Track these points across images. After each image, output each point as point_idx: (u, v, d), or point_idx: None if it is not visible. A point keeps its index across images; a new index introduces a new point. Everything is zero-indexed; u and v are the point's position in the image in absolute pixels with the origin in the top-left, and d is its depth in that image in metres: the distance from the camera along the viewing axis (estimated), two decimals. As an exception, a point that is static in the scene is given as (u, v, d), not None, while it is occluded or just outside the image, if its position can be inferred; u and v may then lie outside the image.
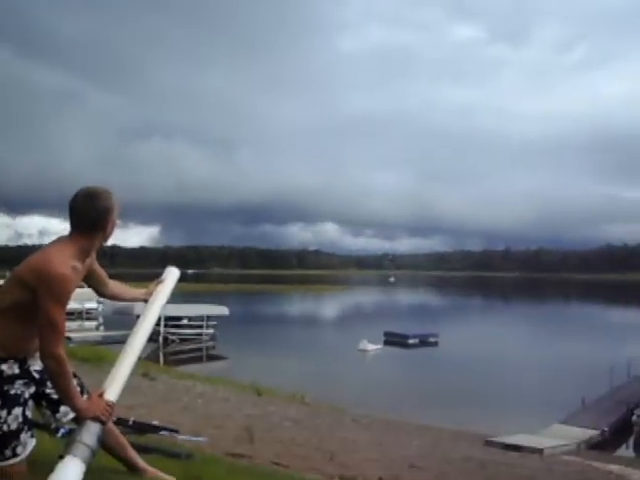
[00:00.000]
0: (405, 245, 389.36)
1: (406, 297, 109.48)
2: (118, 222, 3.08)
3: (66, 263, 2.78)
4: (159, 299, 3.57)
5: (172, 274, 3.78)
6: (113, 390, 3.02)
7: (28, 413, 2.92)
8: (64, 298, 2.78)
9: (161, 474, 3.37)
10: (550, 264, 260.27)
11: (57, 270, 2.73)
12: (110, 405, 2.94)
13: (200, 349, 37.54)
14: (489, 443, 15.77)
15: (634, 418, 19.41)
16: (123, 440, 3.32)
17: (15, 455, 2.83)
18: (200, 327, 40.85)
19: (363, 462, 8.86)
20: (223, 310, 42.33)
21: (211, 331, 41.28)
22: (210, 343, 39.77)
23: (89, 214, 2.91)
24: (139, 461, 3.35)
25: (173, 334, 39.09)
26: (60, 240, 2.95)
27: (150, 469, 3.35)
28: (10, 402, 2.83)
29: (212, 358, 35.59)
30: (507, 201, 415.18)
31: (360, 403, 20.05)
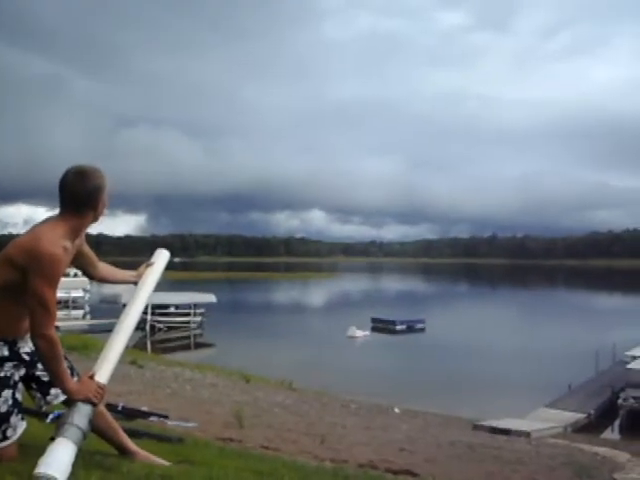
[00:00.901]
0: (392, 232, 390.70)
1: (393, 284, 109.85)
2: (107, 203, 3.03)
3: (56, 242, 2.73)
4: (150, 281, 3.52)
5: (162, 256, 3.73)
6: (104, 372, 2.99)
7: (18, 396, 2.88)
8: (55, 278, 2.74)
9: (153, 457, 3.34)
10: (536, 251, 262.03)
11: (47, 249, 2.68)
12: (101, 387, 2.91)
13: (188, 337, 37.52)
14: (477, 427, 15.88)
15: (619, 401, 19.62)
16: (114, 423, 3.29)
17: (5, 438, 2.80)
18: (187, 315, 40.82)
19: (353, 446, 8.89)
20: (210, 298, 42.28)
21: (198, 319, 41.27)
22: (198, 331, 39.77)
23: (80, 192, 2.85)
24: (130, 444, 3.32)
25: (160, 322, 39.03)
26: (50, 219, 2.90)
27: (141, 452, 3.32)
28: (0, 385, 2.80)
29: (200, 346, 35.61)
30: (494, 188, 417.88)
31: (349, 389, 20.14)
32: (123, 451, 3.26)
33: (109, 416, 3.27)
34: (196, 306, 41.50)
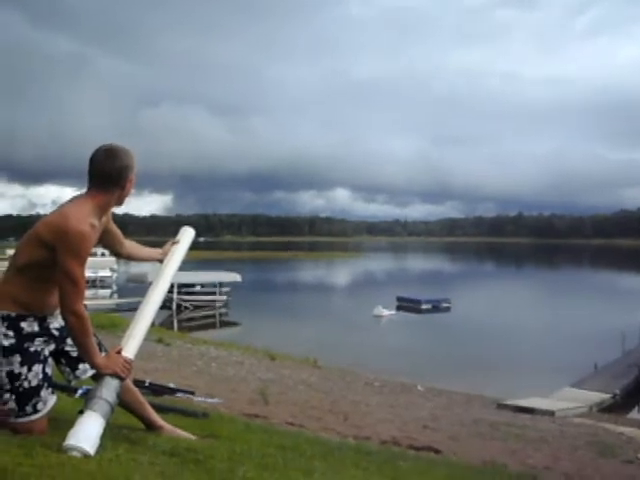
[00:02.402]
0: (417, 211, 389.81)
1: (418, 263, 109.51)
2: (134, 184, 3.08)
3: (84, 220, 2.80)
4: (175, 259, 3.57)
5: (187, 234, 3.77)
6: (131, 347, 3.06)
7: (48, 370, 2.96)
8: (83, 254, 2.80)
9: (179, 431, 3.41)
10: (563, 229, 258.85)
11: (75, 227, 2.74)
12: (128, 362, 2.98)
13: (213, 315, 37.80)
14: (501, 406, 15.86)
15: (646, 381, 19.47)
16: (141, 398, 3.37)
17: (36, 411, 2.88)
18: (213, 294, 41.11)
19: (377, 423, 8.95)
20: (235, 277, 42.50)
21: (224, 298, 41.54)
22: (223, 310, 40.04)
23: (109, 170, 2.92)
24: (157, 419, 3.40)
25: (186, 301, 39.40)
26: (77, 198, 2.96)
27: (168, 426, 3.40)
28: (30, 359, 2.88)
29: (225, 324, 35.87)
30: (520, 166, 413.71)
31: (374, 367, 20.19)
32: (150, 425, 3.34)
33: (136, 391, 3.35)
34: (221, 285, 41.77)
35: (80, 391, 4.50)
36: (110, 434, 2.89)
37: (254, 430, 4.55)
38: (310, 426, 7.08)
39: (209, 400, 7.73)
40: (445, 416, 11.90)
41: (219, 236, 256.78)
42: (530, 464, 7.33)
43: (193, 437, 3.41)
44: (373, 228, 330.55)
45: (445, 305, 42.53)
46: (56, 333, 3.02)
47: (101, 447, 2.69)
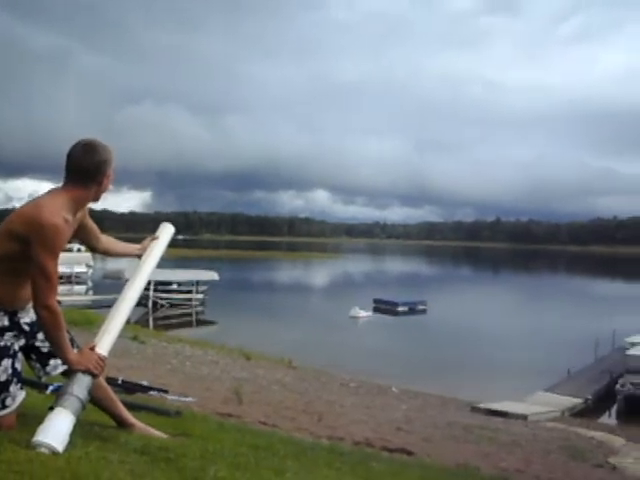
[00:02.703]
0: (396, 214, 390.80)
1: (396, 266, 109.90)
2: (112, 179, 3.04)
3: (57, 213, 2.75)
4: (154, 254, 3.53)
5: (167, 230, 3.73)
6: (105, 344, 3.01)
7: (17, 365, 2.91)
8: (57, 248, 2.76)
9: (150, 429, 3.38)
10: (540, 236, 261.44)
11: (48, 219, 2.70)
12: (101, 358, 2.94)
13: (190, 314, 37.60)
14: (475, 409, 15.98)
15: (617, 387, 19.69)
16: (113, 395, 3.33)
17: (4, 407, 2.83)
18: (190, 292, 40.88)
19: (351, 424, 8.97)
20: (213, 275, 42.30)
21: (201, 296, 41.33)
22: (200, 308, 39.85)
23: (86, 165, 2.87)
24: (129, 416, 3.36)
25: (163, 299, 39.15)
26: (52, 191, 2.92)
27: (139, 424, 3.36)
28: (-1, 354, 2.83)
29: (201, 323, 35.72)
30: (499, 172, 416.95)
31: (349, 368, 20.23)
32: (121, 423, 3.30)
33: (108, 388, 3.31)
34: (198, 283, 41.54)
35: (52, 387, 4.44)
36: (81, 431, 2.85)
37: (227, 429, 4.53)
38: (284, 426, 7.07)
39: (182, 399, 7.69)
40: (419, 418, 11.96)
41: (198, 234, 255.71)
42: (503, 467, 7.39)
43: (165, 436, 3.38)
44: (352, 230, 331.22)
45: (421, 307, 42.77)
46: (26, 328, 2.97)
47: (70, 444, 2.65)
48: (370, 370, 20.46)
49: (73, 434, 2.70)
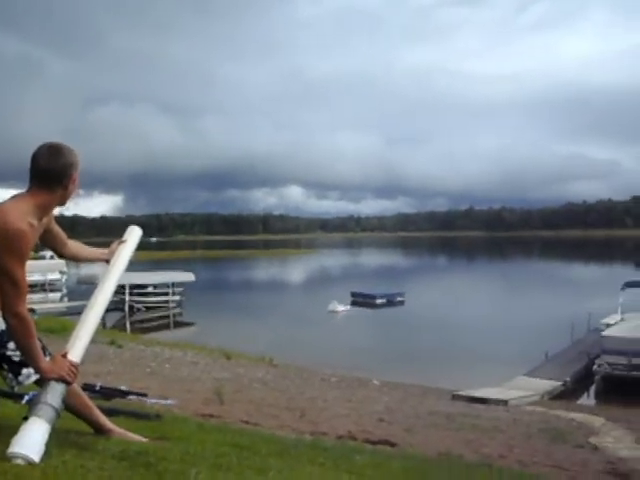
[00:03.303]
0: (370, 207, 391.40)
1: (372, 259, 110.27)
2: (79, 183, 2.99)
3: (22, 218, 2.69)
4: (122, 258, 3.50)
5: (134, 233, 3.70)
6: (77, 350, 2.97)
7: (-12, 376, 2.85)
8: (22, 254, 2.70)
9: (129, 434, 3.34)
10: (513, 222, 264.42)
11: (13, 225, 2.64)
12: (74, 365, 2.89)
13: (167, 316, 37.33)
14: (456, 397, 16.09)
15: (594, 368, 19.95)
16: (89, 401, 3.28)
17: (-23, 419, 2.78)
18: (166, 294, 40.56)
19: (333, 418, 8.97)
20: (189, 277, 42.05)
21: (177, 298, 41.06)
22: (177, 310, 39.59)
23: (51, 168, 2.81)
24: (106, 422, 3.31)
25: (139, 302, 38.82)
26: (17, 196, 2.85)
27: (118, 430, 3.32)
28: (-31, 365, 2.77)
29: (179, 325, 35.50)
30: (470, 161, 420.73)
31: (330, 363, 20.27)
32: (99, 429, 3.26)
33: (84, 395, 3.26)
34: (175, 285, 41.24)
35: (27, 397, 4.36)
36: (57, 440, 2.81)
37: (208, 430, 4.49)
38: (266, 424, 7.04)
39: (162, 402, 7.61)
40: (401, 409, 12.00)
41: (172, 236, 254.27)
42: (485, 453, 7.44)
43: (145, 440, 3.34)
44: (327, 224, 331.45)
45: (399, 299, 42.97)
46: (-4, 337, 2.91)
47: (47, 454, 2.60)
48: (351, 364, 20.51)
49: (49, 443, 2.65)
